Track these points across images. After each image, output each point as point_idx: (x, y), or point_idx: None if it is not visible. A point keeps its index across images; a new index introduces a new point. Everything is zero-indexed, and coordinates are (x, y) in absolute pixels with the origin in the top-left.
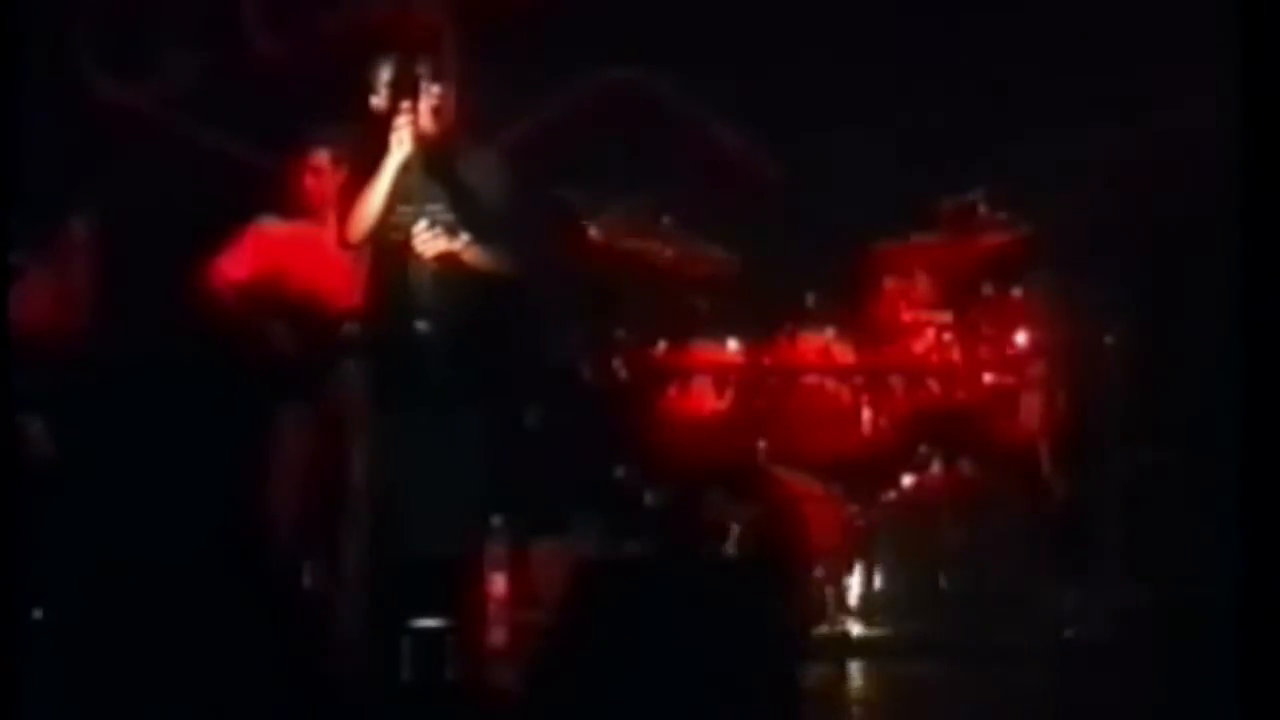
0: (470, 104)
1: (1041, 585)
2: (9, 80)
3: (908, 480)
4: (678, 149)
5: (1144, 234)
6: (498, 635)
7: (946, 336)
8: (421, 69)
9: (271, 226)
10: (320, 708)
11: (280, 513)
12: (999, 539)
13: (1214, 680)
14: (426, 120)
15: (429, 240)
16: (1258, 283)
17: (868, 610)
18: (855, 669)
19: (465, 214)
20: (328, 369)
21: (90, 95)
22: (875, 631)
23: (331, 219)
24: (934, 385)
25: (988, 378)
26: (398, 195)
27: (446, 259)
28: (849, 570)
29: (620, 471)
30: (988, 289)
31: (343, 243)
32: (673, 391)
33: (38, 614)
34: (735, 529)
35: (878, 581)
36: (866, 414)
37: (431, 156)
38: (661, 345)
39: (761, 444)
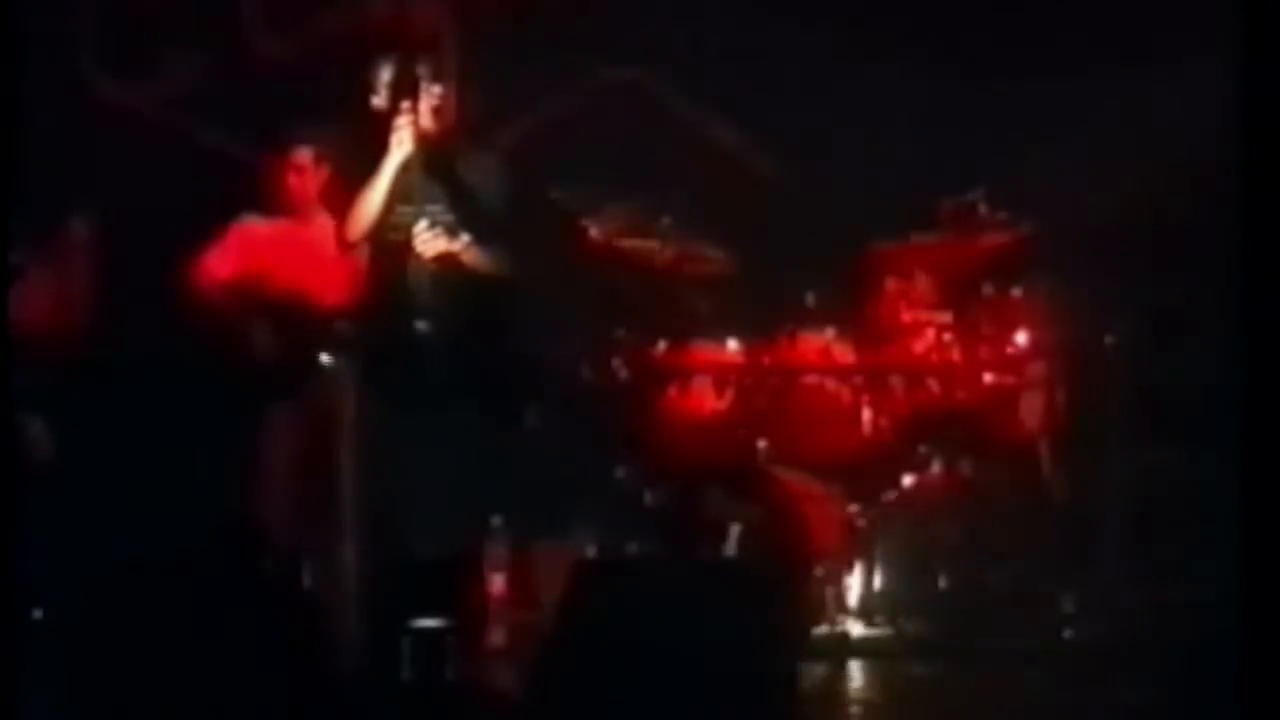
0: (470, 104)
1: (1041, 585)
2: (9, 80)
3: (908, 480)
4: (677, 149)
5: (1144, 234)
6: (498, 635)
7: (946, 336)
8: (421, 69)
9: (255, 225)
10: (320, 708)
11: (275, 512)
12: (999, 539)
13: (1214, 680)
14: (426, 120)
15: (428, 240)
16: (1258, 283)
17: (868, 610)
18: (855, 669)
19: (465, 214)
20: (313, 367)
21: (90, 95)
22: (875, 631)
23: (315, 217)
24: (934, 385)
25: (988, 378)
26: (398, 195)
27: (446, 259)
28: (849, 570)
29: (620, 471)
30: (988, 289)
31: (342, 242)
32: (673, 391)
33: (37, 614)
34: (735, 529)
35: (878, 581)
36: (866, 414)
37: (431, 156)
38: (661, 345)
39: (761, 444)
